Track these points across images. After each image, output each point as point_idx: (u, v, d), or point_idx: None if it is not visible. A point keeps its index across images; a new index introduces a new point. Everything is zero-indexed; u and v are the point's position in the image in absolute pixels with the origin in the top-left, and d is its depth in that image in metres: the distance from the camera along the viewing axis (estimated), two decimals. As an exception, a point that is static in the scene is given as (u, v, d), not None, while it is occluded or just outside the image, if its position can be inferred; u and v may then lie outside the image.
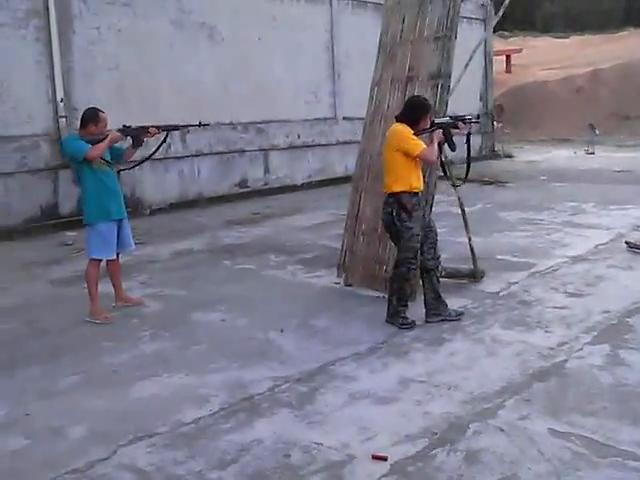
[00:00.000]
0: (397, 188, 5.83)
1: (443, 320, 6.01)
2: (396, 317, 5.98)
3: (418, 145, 5.76)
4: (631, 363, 4.99)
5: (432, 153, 5.83)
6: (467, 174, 6.69)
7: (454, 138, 6.06)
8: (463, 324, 6.01)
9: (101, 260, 6.55)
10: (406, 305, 6.03)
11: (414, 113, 5.90)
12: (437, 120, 6.02)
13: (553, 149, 23.78)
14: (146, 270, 8.39)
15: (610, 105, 27.88)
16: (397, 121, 6.01)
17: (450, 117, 6.15)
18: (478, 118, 6.68)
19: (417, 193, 5.88)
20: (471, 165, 6.78)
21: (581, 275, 7.44)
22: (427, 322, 6.03)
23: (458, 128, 6.05)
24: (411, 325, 5.94)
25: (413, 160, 5.81)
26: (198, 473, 3.74)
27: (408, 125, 5.86)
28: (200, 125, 6.89)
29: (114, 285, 6.83)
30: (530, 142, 26.27)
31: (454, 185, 6.82)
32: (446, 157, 6.88)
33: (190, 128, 13.07)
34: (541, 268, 7.76)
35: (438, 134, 5.90)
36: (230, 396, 4.69)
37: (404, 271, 5.93)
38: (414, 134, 5.83)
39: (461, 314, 6.15)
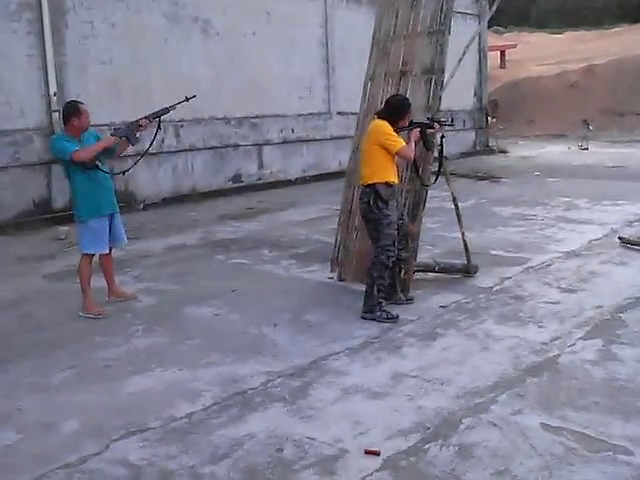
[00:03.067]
0: (374, 179, 6.00)
1: (373, 320, 5.98)
2: (376, 310, 5.99)
3: (398, 142, 5.97)
4: (623, 358, 5.01)
5: (410, 151, 6.07)
6: (438, 175, 6.79)
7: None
8: (457, 319, 6.02)
9: (93, 255, 6.52)
10: (384, 297, 6.11)
11: (396, 112, 6.11)
12: (415, 120, 6.27)
13: (547, 144, 23.82)
14: (139, 265, 8.37)
15: (604, 101, 27.93)
16: (378, 117, 6.19)
17: (428, 118, 6.45)
18: (452, 121, 6.91)
19: (392, 186, 6.08)
20: (445, 165, 6.95)
21: (574, 270, 7.45)
22: (362, 317, 6.06)
23: (433, 128, 6.35)
24: (395, 318, 5.95)
25: (391, 155, 6.02)
26: (191, 468, 3.73)
27: (388, 122, 6.05)
28: (187, 99, 6.71)
29: (107, 280, 6.82)
30: (524, 137, 26.32)
31: (424, 184, 6.76)
32: (441, 152, 6.90)
33: (184, 123, 13.19)
34: (534, 263, 7.78)
35: (415, 133, 6.22)
36: (223, 391, 4.69)
37: (383, 259, 6.01)
38: (394, 131, 6.06)
39: (396, 317, 6.00)
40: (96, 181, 6.30)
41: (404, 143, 6.01)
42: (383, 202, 5.98)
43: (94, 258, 6.57)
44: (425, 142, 6.38)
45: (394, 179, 6.11)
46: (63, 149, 6.13)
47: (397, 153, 6.00)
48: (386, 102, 6.35)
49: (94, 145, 6.21)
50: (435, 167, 6.91)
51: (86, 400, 4.64)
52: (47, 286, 7.61)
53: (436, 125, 6.37)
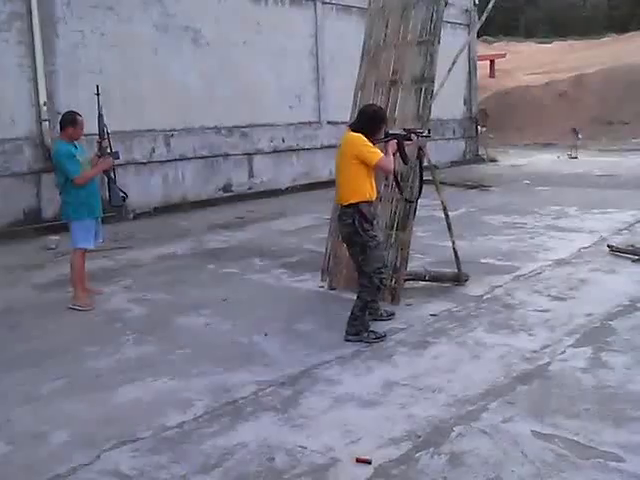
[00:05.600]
0: (355, 199, 5.64)
1: (359, 341, 5.72)
2: (364, 331, 5.75)
3: (376, 154, 5.63)
4: (613, 365, 5.03)
5: (389, 162, 5.73)
6: (421, 189, 6.61)
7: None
8: (447, 327, 6.03)
9: (86, 250, 7.08)
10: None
11: (372, 123, 5.74)
12: (391, 131, 5.99)
13: (537, 153, 23.94)
14: (130, 274, 8.35)
15: (593, 110, 28.12)
16: (352, 130, 5.79)
17: (403, 129, 6.16)
18: (429, 133, 6.50)
19: (372, 202, 5.79)
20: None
21: (564, 278, 7.48)
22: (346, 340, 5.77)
23: (411, 140, 6.02)
24: (383, 337, 5.78)
25: (368, 169, 5.67)
26: (182, 477, 3.72)
27: (363, 134, 5.68)
28: (97, 94, 6.98)
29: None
30: (514, 146, 26.43)
31: (407, 200, 6.69)
32: (429, 161, 6.92)
33: (174, 133, 13.19)
34: (525, 272, 7.80)
35: (393, 145, 5.84)
36: (214, 400, 4.68)
37: (377, 282, 5.73)
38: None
39: (384, 336, 5.80)
40: (92, 188, 6.96)
41: (382, 154, 5.65)
42: (368, 223, 5.65)
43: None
44: (402, 155, 5.97)
45: (373, 194, 5.77)
46: (71, 170, 6.74)
47: (376, 165, 5.63)
48: (360, 112, 5.93)
49: (92, 170, 6.93)
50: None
51: (77, 410, 4.62)
52: (37, 296, 7.58)
53: (413, 136, 6.02)
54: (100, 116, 7.02)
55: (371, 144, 5.67)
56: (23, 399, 4.82)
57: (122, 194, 7.11)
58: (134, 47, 12.74)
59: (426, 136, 6.35)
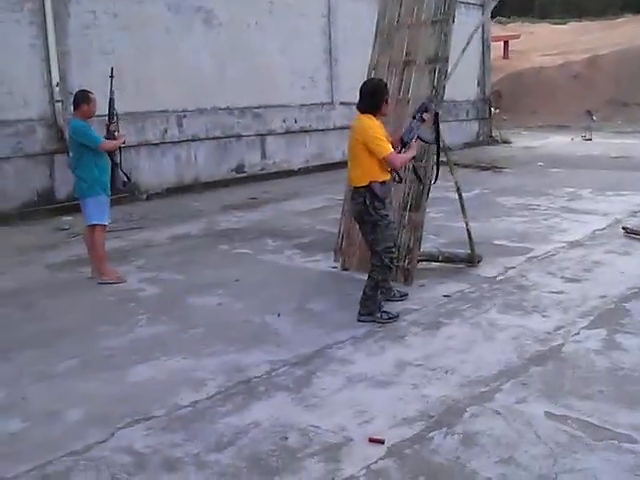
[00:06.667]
0: (366, 180, 5.58)
1: (373, 322, 5.73)
2: (377, 311, 5.76)
3: (385, 147, 5.52)
4: (627, 347, 5.01)
5: (399, 160, 5.65)
6: (437, 173, 6.49)
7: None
8: (460, 308, 6.01)
9: (106, 225, 7.21)
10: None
11: (375, 99, 5.63)
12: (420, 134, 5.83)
13: (551, 135, 23.75)
14: (143, 254, 8.38)
15: (608, 91, 27.83)
16: (360, 112, 5.70)
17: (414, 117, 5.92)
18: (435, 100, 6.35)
19: (385, 182, 5.69)
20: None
21: (578, 260, 7.44)
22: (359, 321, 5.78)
23: (425, 120, 5.87)
24: (396, 317, 5.79)
25: None
26: (195, 455, 3.74)
27: (371, 113, 5.62)
28: (111, 76, 7.07)
29: (92, 255, 7.24)
30: (528, 128, 26.22)
31: (421, 181, 6.60)
32: (443, 142, 6.88)
33: (186, 113, 13.17)
34: (538, 253, 7.76)
35: (416, 146, 5.82)
36: (227, 379, 4.69)
37: (387, 262, 5.71)
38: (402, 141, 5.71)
39: (397, 316, 5.83)
40: (105, 166, 7.08)
41: (391, 149, 5.54)
42: (380, 202, 5.60)
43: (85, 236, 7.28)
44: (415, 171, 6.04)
45: (385, 176, 5.65)
46: (93, 138, 6.89)
47: (384, 159, 5.52)
48: (360, 92, 5.72)
49: (114, 142, 7.05)
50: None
51: (91, 389, 4.65)
52: (50, 276, 7.61)
53: (426, 116, 5.83)
54: (111, 100, 7.07)
55: (382, 134, 5.56)
56: (37, 378, 4.85)
57: (125, 179, 7.23)
58: (146, 28, 12.68)
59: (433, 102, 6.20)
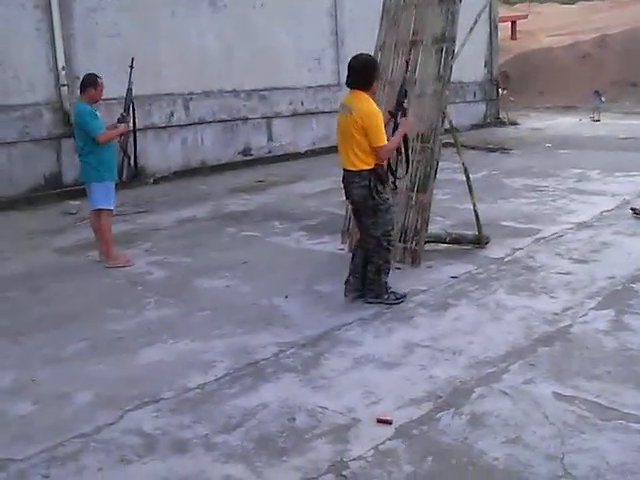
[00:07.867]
0: (371, 162, 5.47)
1: (380, 303, 5.71)
2: (384, 293, 5.73)
3: (382, 140, 5.40)
4: (635, 328, 5.00)
5: (390, 151, 5.66)
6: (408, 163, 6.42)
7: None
8: (468, 289, 6.01)
9: (112, 210, 7.17)
10: (374, 298, 5.80)
11: (366, 75, 5.44)
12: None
13: (558, 116, 23.61)
14: (150, 238, 8.39)
15: (616, 72, 27.60)
16: (351, 88, 5.50)
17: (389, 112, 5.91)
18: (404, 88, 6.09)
19: (382, 165, 5.61)
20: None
21: (586, 241, 7.41)
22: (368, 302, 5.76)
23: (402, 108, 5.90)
24: (404, 297, 5.78)
25: None
26: (204, 437, 3.76)
27: (364, 90, 5.45)
28: (131, 67, 7.16)
29: (99, 239, 7.24)
30: (535, 109, 26.06)
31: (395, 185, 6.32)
32: (450, 123, 6.85)
33: (193, 96, 13.12)
34: (546, 234, 7.74)
35: (408, 122, 5.86)
36: (235, 361, 4.71)
37: (385, 245, 5.66)
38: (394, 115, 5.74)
39: (404, 296, 5.82)
40: (112, 151, 7.05)
41: (385, 143, 5.42)
42: (382, 185, 5.54)
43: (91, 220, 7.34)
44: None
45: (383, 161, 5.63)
46: (93, 127, 6.83)
47: (375, 149, 5.40)
48: (351, 67, 5.48)
49: (113, 132, 6.99)
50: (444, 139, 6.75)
51: (99, 371, 4.67)
52: (58, 260, 7.63)
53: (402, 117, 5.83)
54: (129, 90, 7.09)
55: (382, 122, 5.46)
56: (46, 361, 4.88)
57: (134, 171, 7.30)
58: (152, 10, 12.62)
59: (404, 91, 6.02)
